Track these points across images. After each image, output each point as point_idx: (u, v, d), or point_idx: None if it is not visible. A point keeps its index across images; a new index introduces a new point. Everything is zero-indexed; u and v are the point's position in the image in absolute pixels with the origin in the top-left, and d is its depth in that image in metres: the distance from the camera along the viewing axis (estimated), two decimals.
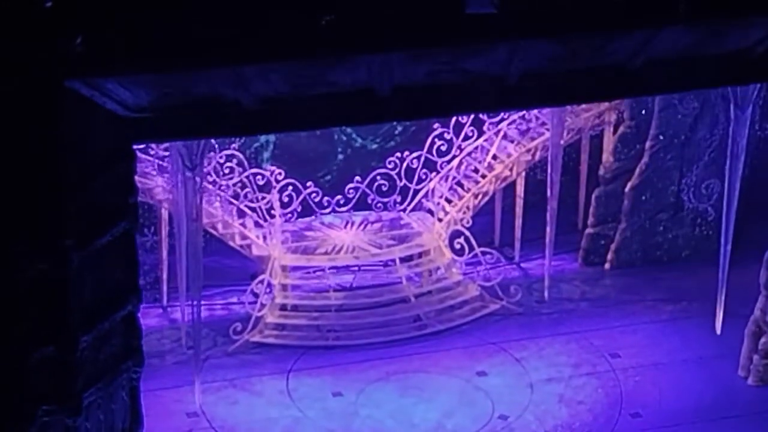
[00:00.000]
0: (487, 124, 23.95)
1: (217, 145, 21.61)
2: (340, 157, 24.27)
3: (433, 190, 23.91)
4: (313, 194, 23.31)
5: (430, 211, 23.96)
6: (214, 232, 22.44)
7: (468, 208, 23.90)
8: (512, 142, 24.13)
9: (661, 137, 23.45)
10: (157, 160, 21.51)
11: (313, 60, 13.95)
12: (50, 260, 13.69)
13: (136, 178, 14.72)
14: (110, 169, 14.37)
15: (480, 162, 24.15)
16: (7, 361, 13.81)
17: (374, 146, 24.25)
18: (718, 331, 20.14)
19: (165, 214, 22.23)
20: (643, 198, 23.69)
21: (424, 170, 23.79)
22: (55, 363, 14.13)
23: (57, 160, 13.45)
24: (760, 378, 21.28)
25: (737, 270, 20.41)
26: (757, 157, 21.69)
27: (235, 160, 22.04)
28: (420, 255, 23.44)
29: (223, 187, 22.25)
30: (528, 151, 24.06)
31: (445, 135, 23.68)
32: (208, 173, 21.36)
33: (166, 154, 20.61)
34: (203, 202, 19.28)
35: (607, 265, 24.68)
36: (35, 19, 12.40)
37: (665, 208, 23.51)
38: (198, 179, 18.40)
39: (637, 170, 23.74)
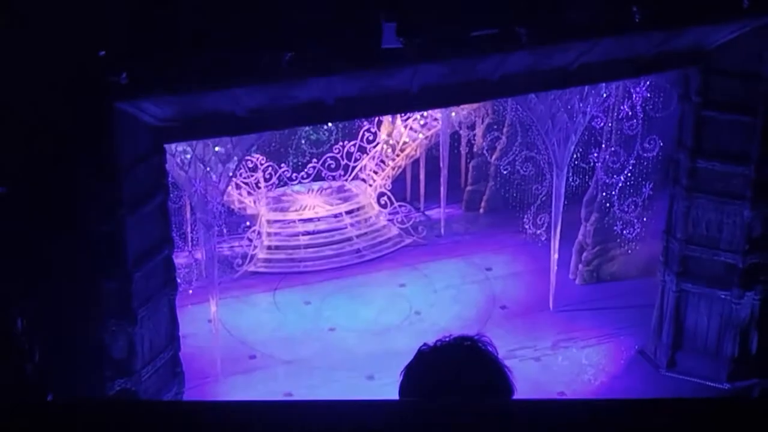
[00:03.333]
0: (399, 120, 23.92)
1: None
2: (303, 146, 24.11)
3: (365, 166, 23.88)
4: (286, 172, 23.23)
5: (364, 180, 23.94)
6: None
7: (388, 176, 23.90)
8: (416, 132, 24.12)
9: (511, 125, 23.46)
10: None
11: (281, 82, 13.88)
12: (111, 224, 13.59)
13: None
14: (148, 161, 14.25)
15: (395, 146, 24.13)
16: (87, 292, 13.72)
17: (324, 138, 24.11)
18: (554, 251, 20.28)
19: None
20: (503, 166, 23.74)
21: (358, 153, 23.75)
22: (118, 292, 14.06)
23: (112, 156, 13.33)
24: (584, 279, 21.51)
25: (568, 208, 20.53)
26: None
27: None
28: (358, 209, 23.44)
29: None
30: (426, 137, 24.05)
31: (371, 129, 23.65)
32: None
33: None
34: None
35: (481, 210, 24.73)
36: (93, 62, 12.26)
37: (517, 172, 23.52)
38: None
39: (498, 147, 23.79)
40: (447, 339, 3.49)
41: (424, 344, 3.50)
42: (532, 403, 2.80)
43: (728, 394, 17.77)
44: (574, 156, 20.54)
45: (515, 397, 3.43)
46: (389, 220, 23.62)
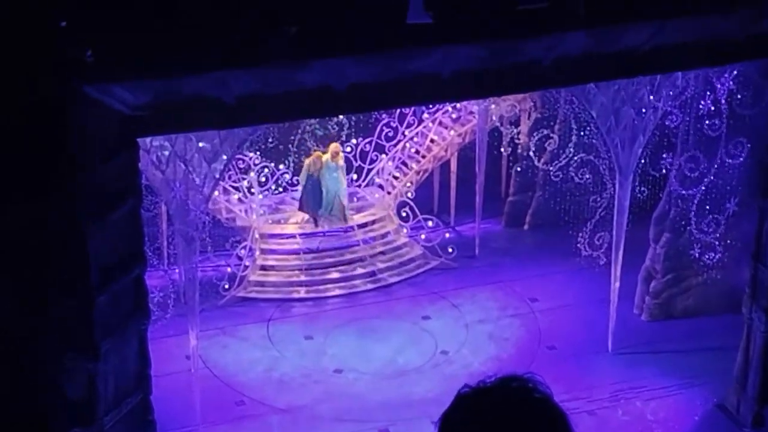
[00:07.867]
0: (425, 113, 23.98)
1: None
2: (308, 144, 24.14)
3: (382, 169, 23.95)
4: (285, 174, 23.29)
5: (381, 186, 24.01)
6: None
7: (411, 182, 23.97)
8: (446, 128, 24.17)
9: (564, 122, 23.43)
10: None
11: (280, 64, 13.93)
12: (70, 233, 13.65)
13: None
14: (117, 157, 14.31)
15: (420, 145, 24.19)
16: (38, 318, 13.75)
17: (333, 134, 24.14)
18: (616, 279, 20.24)
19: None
20: (553, 172, 23.70)
21: (375, 152, 23.83)
22: (76, 317, 14.10)
23: (73, 150, 13.39)
24: (651, 315, 21.48)
25: (633, 226, 20.49)
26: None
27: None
28: (373, 222, 23.51)
29: None
30: (459, 135, 24.10)
31: (391, 123, 23.72)
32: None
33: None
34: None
35: (525, 227, 24.77)
36: (51, 34, 12.33)
37: (571, 180, 23.47)
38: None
39: (548, 148, 23.77)
40: (491, 380, 3.53)
41: (465, 386, 3.54)
42: None
43: None
44: (642, 161, 20.52)
45: None
46: (411, 236, 23.65)
